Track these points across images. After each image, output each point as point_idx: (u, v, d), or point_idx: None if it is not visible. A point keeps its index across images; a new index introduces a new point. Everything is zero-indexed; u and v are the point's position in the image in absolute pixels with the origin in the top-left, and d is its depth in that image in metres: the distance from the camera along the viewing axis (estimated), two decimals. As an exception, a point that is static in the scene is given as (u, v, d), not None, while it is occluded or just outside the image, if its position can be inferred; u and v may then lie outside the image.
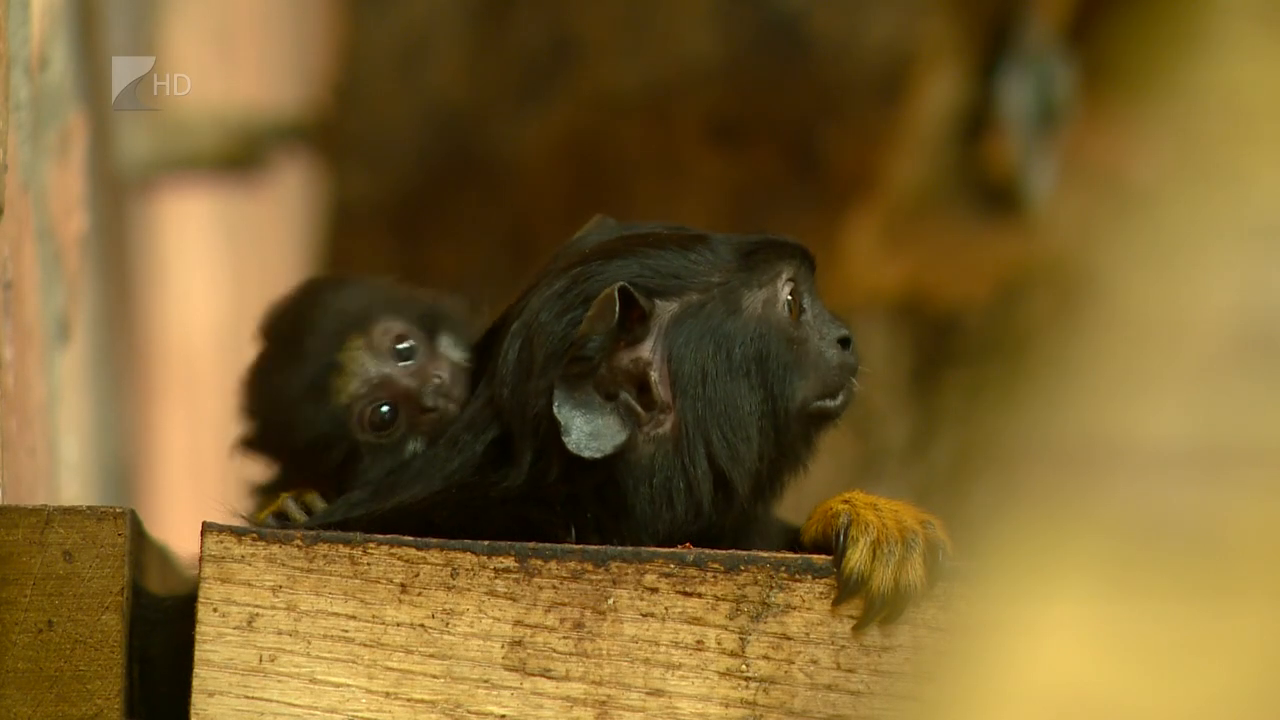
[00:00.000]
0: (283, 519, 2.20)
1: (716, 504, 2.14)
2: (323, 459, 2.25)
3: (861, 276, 4.01)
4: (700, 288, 2.16)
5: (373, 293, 2.29)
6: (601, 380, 2.13)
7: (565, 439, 2.11)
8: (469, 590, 2.05)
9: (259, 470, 2.36)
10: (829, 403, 2.18)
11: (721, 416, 2.14)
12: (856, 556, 2.06)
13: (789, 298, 2.17)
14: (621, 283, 2.12)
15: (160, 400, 4.29)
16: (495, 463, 2.17)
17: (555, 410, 2.11)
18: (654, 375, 2.13)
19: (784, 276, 2.18)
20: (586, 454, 2.11)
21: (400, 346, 2.24)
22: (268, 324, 2.31)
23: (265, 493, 2.33)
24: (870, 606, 2.05)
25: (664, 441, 2.14)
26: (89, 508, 2.09)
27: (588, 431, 2.12)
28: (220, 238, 4.89)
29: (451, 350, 2.26)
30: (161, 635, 2.10)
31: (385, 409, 2.23)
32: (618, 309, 2.11)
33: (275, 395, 2.27)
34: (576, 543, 2.10)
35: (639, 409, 2.13)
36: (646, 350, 2.14)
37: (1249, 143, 1.61)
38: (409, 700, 2.04)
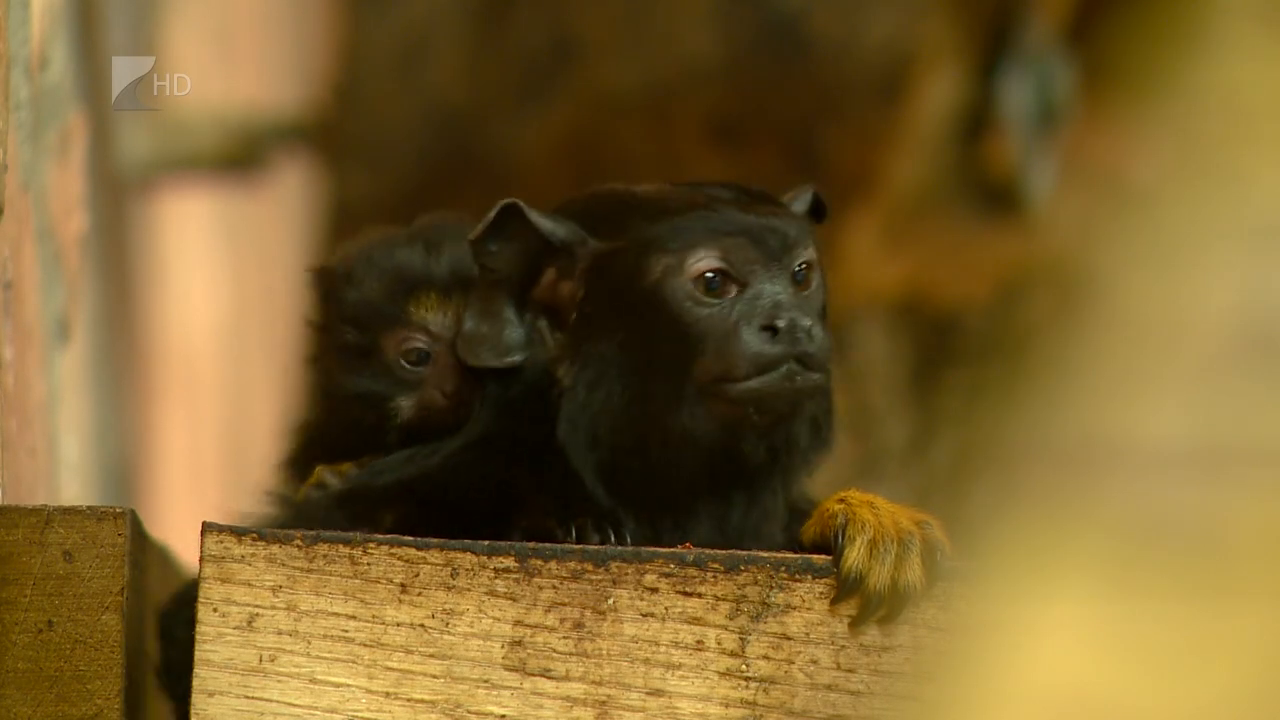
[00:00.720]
0: (322, 489, 2.21)
1: (596, 461, 2.14)
2: (341, 331, 2.26)
3: (861, 276, 4.01)
4: (629, 239, 2.16)
5: None
6: (533, 301, 2.17)
7: (457, 340, 2.17)
8: (469, 590, 2.05)
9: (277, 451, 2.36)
10: (729, 386, 2.13)
11: (599, 366, 2.15)
12: (854, 555, 2.06)
13: (706, 272, 2.14)
14: (512, 200, 2.15)
15: (160, 400, 4.29)
16: (507, 412, 2.19)
17: (465, 311, 2.18)
18: (574, 314, 2.16)
19: (700, 251, 2.15)
20: (469, 360, 2.17)
21: None
22: (431, 214, 2.32)
23: (290, 466, 2.32)
24: (867, 604, 2.05)
25: (570, 382, 2.15)
26: (89, 508, 2.09)
27: (477, 336, 2.17)
28: (220, 238, 4.89)
29: None
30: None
31: (423, 350, 2.24)
32: (491, 219, 2.14)
33: (380, 256, 2.27)
34: (576, 537, 2.10)
35: (547, 339, 2.16)
36: (573, 284, 2.17)
37: (1249, 143, 1.61)
38: (409, 700, 2.04)
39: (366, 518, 2.13)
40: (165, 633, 2.26)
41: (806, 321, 2.13)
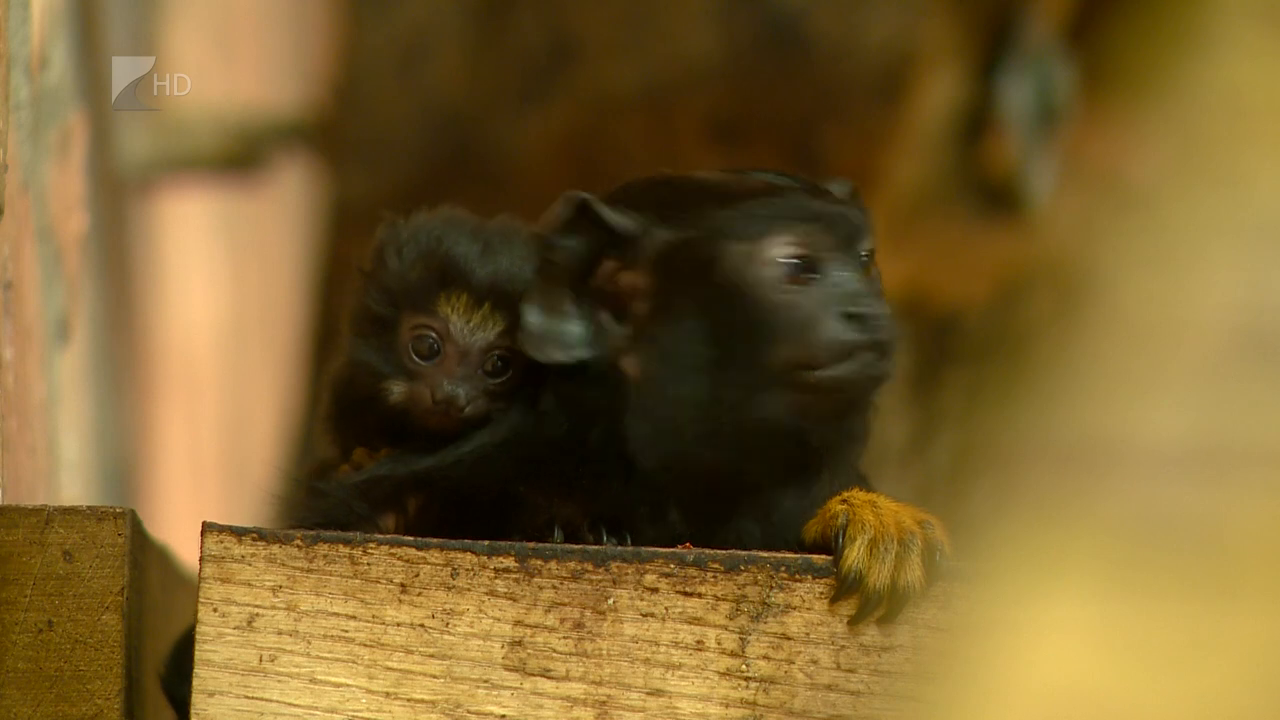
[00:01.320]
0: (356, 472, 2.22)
1: (670, 452, 2.12)
2: (372, 293, 2.24)
3: (861, 276, 4.00)
4: (700, 228, 2.14)
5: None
6: (593, 294, 2.15)
7: (522, 336, 2.14)
8: (469, 590, 2.05)
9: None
10: (810, 374, 2.12)
11: (676, 358, 2.13)
12: (854, 555, 2.06)
13: (786, 259, 2.13)
14: (584, 194, 2.13)
15: (160, 400, 4.29)
16: (549, 403, 2.18)
17: (523, 306, 2.15)
18: (639, 303, 2.14)
19: (779, 236, 2.13)
20: (538, 357, 2.14)
21: (494, 364, 2.23)
22: (505, 217, 2.30)
23: (324, 423, 2.32)
24: (866, 604, 2.05)
25: (641, 374, 2.14)
26: (89, 508, 2.09)
27: (543, 333, 2.15)
28: (220, 238, 4.89)
29: (507, 382, 2.24)
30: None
31: (434, 345, 2.23)
32: (562, 215, 2.13)
33: (434, 237, 2.25)
34: (573, 525, 2.10)
35: (613, 332, 2.14)
36: (640, 276, 2.15)
37: (1249, 143, 1.61)
38: (409, 700, 2.04)
39: (391, 503, 2.14)
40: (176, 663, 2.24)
41: (882, 309, 2.14)
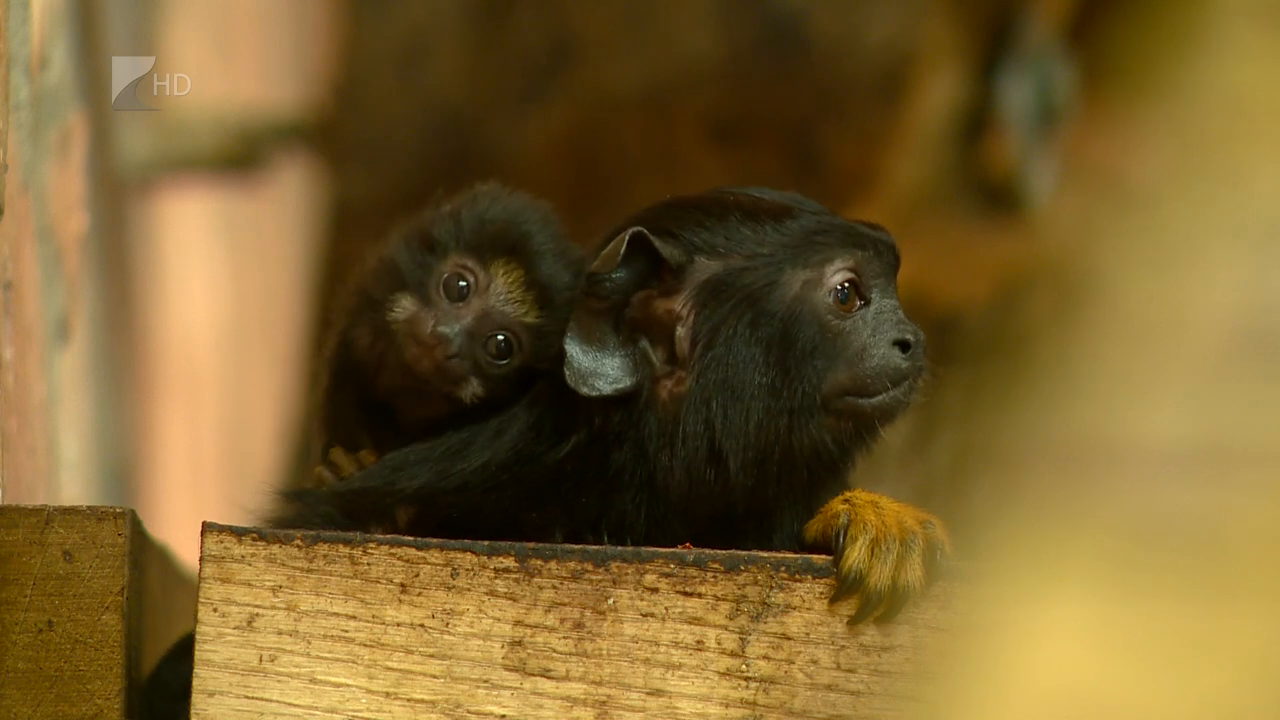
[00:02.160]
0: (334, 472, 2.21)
1: (709, 478, 2.12)
2: (444, 217, 2.24)
3: (861, 276, 3.99)
4: (746, 255, 2.13)
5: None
6: (629, 323, 2.14)
7: (566, 371, 2.12)
8: (469, 590, 2.05)
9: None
10: (861, 401, 2.13)
11: (727, 385, 2.11)
12: (855, 555, 2.06)
13: (841, 286, 2.14)
14: (639, 228, 2.12)
15: (160, 400, 4.29)
16: (556, 423, 2.17)
17: (565, 341, 2.13)
18: (680, 330, 2.13)
19: (836, 264, 2.14)
20: (583, 391, 2.12)
21: (497, 344, 2.23)
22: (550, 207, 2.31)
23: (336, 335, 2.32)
24: (866, 604, 2.05)
25: (680, 401, 2.13)
26: (89, 508, 2.09)
27: (587, 367, 2.13)
28: (220, 238, 4.89)
29: (499, 365, 2.24)
30: None
31: (464, 291, 2.22)
32: (623, 251, 2.11)
33: (528, 215, 2.26)
34: (576, 541, 2.10)
35: (654, 360, 2.13)
36: (679, 303, 2.14)
37: (1249, 143, 1.61)
38: (409, 700, 2.04)
39: (380, 518, 2.13)
40: (157, 681, 2.23)
41: (923, 336, 2.15)
